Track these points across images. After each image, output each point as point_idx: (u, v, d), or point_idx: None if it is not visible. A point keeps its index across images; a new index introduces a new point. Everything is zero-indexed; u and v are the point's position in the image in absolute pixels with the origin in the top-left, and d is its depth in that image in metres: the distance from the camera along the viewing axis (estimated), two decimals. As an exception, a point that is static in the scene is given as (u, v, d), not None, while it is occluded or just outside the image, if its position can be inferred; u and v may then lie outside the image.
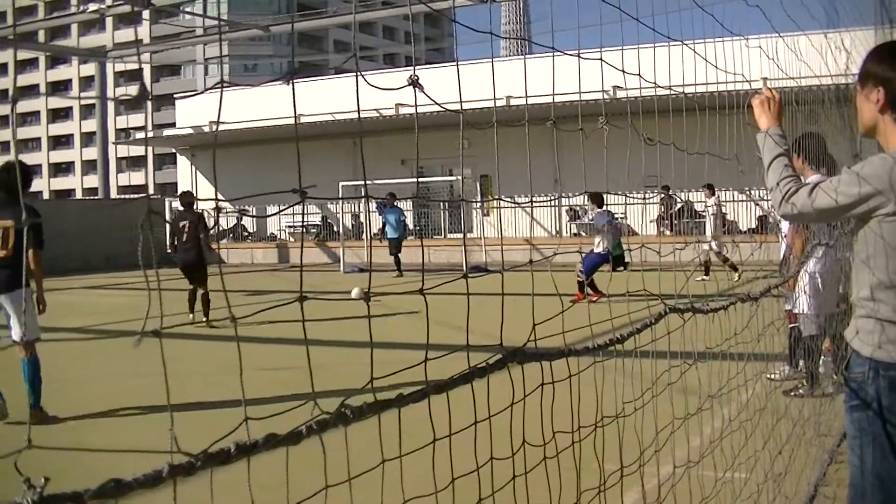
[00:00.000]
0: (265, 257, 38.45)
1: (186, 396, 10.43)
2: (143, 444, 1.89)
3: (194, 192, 36.71)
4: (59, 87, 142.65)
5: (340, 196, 32.10)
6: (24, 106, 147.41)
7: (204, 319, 16.81)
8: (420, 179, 35.88)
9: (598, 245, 20.13)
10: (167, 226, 40.52)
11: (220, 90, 2.34)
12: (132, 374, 12.45)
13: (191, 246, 17.88)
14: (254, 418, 2.26)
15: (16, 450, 1.87)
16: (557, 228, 37.06)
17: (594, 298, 18.52)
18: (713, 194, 25.67)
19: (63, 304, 23.14)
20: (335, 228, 37.49)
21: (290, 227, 40.85)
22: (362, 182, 31.13)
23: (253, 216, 40.38)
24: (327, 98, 35.24)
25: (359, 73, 3.05)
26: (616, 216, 21.81)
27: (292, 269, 33.84)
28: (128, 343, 14.85)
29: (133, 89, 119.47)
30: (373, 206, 36.69)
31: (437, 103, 3.23)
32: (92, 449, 1.97)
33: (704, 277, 22.30)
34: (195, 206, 18.55)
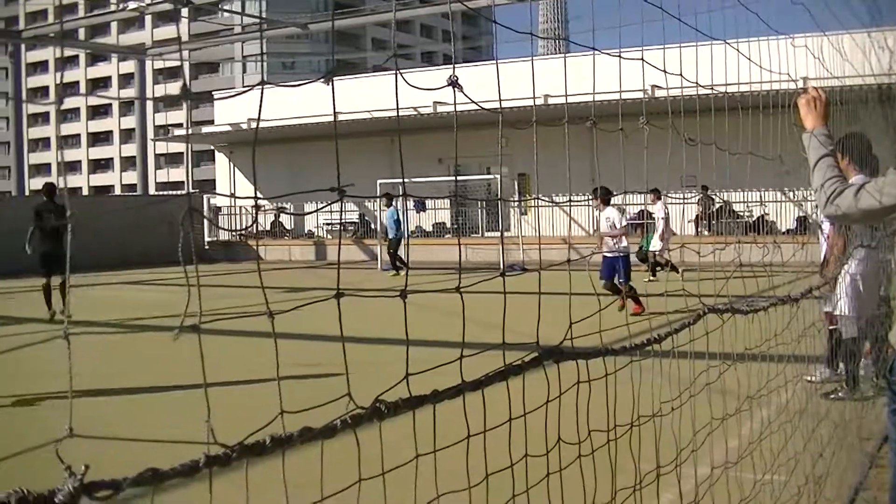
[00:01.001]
0: (302, 254, 38.57)
1: (223, 390, 10.47)
2: (179, 435, 1.89)
3: (233, 189, 36.93)
4: (98, 85, 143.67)
5: (378, 194, 32.14)
6: (64, 103, 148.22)
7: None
8: (458, 178, 35.83)
9: (616, 246, 18.61)
10: (205, 222, 41.02)
11: (260, 88, 2.34)
12: (168, 368, 12.52)
13: (52, 235, 18.07)
14: (289, 412, 2.26)
15: (55, 438, 1.87)
16: (595, 228, 37.04)
17: (638, 309, 17.57)
18: (659, 199, 25.51)
19: (100, 299, 23.31)
20: (372, 226, 37.52)
21: (327, 224, 40.96)
22: (400, 180, 31.15)
23: (292, 213, 40.55)
24: (365, 96, 35.30)
25: (398, 73, 3.04)
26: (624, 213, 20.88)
27: (329, 266, 33.92)
28: (164, 338, 14.93)
29: (172, 87, 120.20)
30: (410, 204, 36.70)
31: (476, 103, 3.21)
32: (129, 438, 1.99)
33: (652, 279, 22.94)
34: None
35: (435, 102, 35.69)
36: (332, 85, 2.76)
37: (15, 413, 10.66)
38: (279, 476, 2.33)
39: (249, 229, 40.88)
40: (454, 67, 3.27)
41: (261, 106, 2.72)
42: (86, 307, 21.22)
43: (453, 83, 3.12)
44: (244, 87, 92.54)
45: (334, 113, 2.67)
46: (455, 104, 2.88)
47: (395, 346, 11.82)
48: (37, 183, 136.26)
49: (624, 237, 18.62)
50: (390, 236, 30.02)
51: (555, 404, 3.42)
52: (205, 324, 2.20)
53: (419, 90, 3.11)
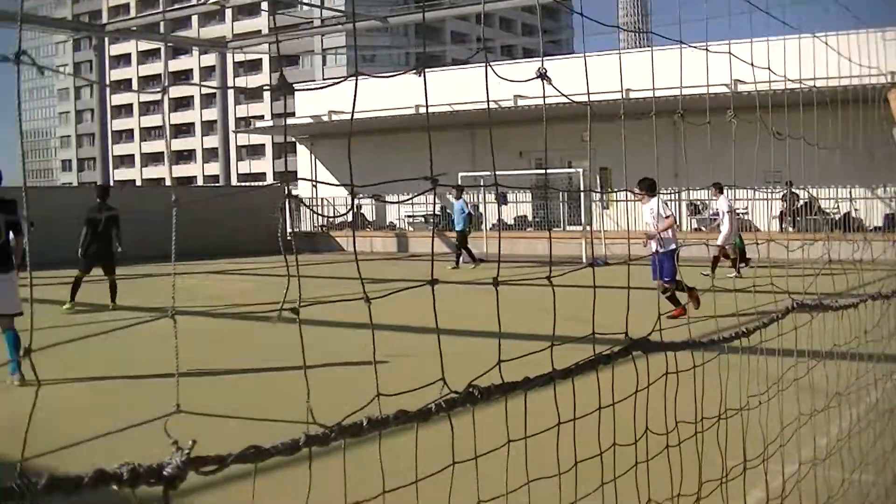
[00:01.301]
0: (384, 246, 38.75)
1: (321, 372, 10.54)
2: (280, 415, 1.96)
3: (314, 180, 37.21)
4: (180, 77, 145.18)
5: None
6: (147, 95, 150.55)
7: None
8: (540, 171, 35.74)
9: (666, 242, 16.39)
10: (287, 213, 41.35)
11: (346, 79, 2.37)
12: (264, 353, 12.67)
13: (104, 236, 18.83)
14: (385, 394, 2.29)
15: (165, 414, 1.92)
16: (678, 223, 36.79)
17: (676, 314, 14.71)
18: (721, 193, 24.99)
19: (183, 288, 23.58)
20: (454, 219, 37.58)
21: (409, 216, 41.09)
22: (481, 173, 31.13)
23: (386, 202, 40.53)
24: (445, 89, 35.37)
25: (488, 65, 3.07)
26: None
27: (411, 258, 34.05)
28: (250, 325, 15.12)
29: (254, 79, 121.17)
30: (491, 196, 36.69)
31: (565, 95, 3.23)
32: (232, 416, 2.04)
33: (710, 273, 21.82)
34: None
35: (515, 96, 35.64)
36: (424, 76, 2.79)
37: (117, 391, 10.89)
38: (371, 460, 2.36)
39: (341, 220, 41.18)
40: (542, 59, 3.29)
41: (355, 98, 2.75)
42: (168, 296, 21.49)
43: (542, 75, 3.13)
44: (324, 79, 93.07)
45: (426, 105, 2.70)
46: (544, 97, 2.89)
47: (479, 337, 11.78)
48: (121, 174, 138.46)
49: (671, 231, 16.55)
50: (457, 228, 29.86)
51: (643, 395, 3.43)
52: (304, 305, 2.24)
53: (503, 81, 3.13)
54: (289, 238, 40.86)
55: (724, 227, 24.49)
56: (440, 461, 2.68)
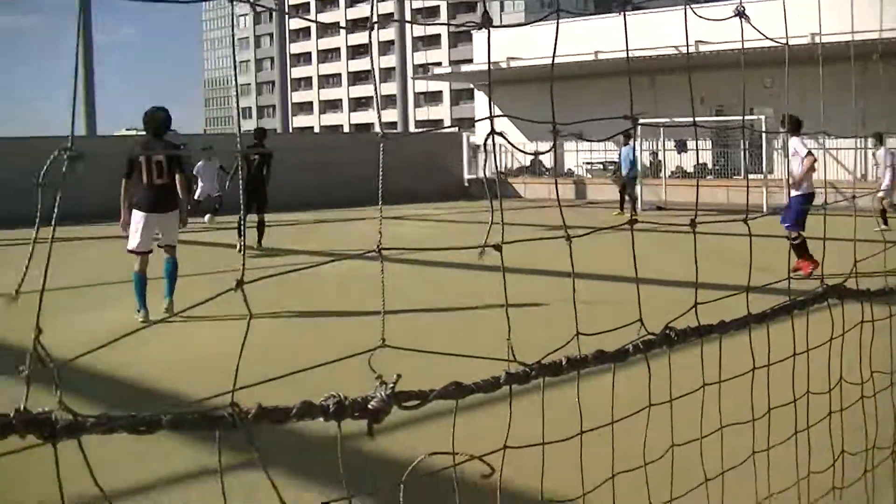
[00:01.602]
0: (562, 193, 38.60)
1: (519, 311, 10.57)
2: (481, 352, 1.98)
3: (491, 127, 37.17)
4: (358, 25, 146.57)
5: (637, 134, 31.76)
6: (326, 43, 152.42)
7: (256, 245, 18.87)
8: (721, 118, 35.08)
9: (798, 184, 14.42)
10: (464, 159, 41.60)
11: (550, 21, 2.37)
12: (458, 294, 12.81)
13: (257, 176, 19.28)
14: (585, 334, 2.31)
15: (370, 348, 1.97)
16: (862, 172, 35.66)
17: (807, 269, 13.58)
18: (881, 144, 23.64)
19: (361, 233, 23.96)
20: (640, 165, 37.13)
21: (587, 163, 40.81)
22: (661, 120, 30.68)
23: (586, 138, 40.34)
24: (623, 35, 34.86)
25: (687, 7, 3.03)
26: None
27: (589, 205, 33.85)
28: (433, 271, 15.27)
29: (431, 27, 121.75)
30: (670, 144, 36.20)
31: (766, 37, 3.17)
32: (432, 352, 2.07)
33: (884, 227, 20.51)
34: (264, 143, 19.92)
35: (697, 41, 34.97)
36: (625, 18, 2.78)
37: (323, 325, 11.23)
38: (565, 400, 2.38)
39: (529, 165, 41.23)
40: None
41: (556, 40, 2.75)
42: (350, 240, 21.93)
43: (740, 13, 3.09)
44: (501, 26, 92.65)
45: (626, 49, 2.68)
46: (742, 40, 2.84)
47: (670, 286, 11.62)
48: (299, 121, 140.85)
49: (809, 174, 14.36)
50: (624, 174, 29.39)
51: (837, 343, 3.37)
52: (507, 243, 2.27)
53: (682, 27, 3.08)
54: (466, 185, 41.22)
55: (886, 179, 23.38)
56: (634, 404, 2.69)
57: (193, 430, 1.68)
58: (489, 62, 2.62)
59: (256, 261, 17.54)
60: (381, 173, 2.13)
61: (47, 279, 1.52)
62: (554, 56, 2.59)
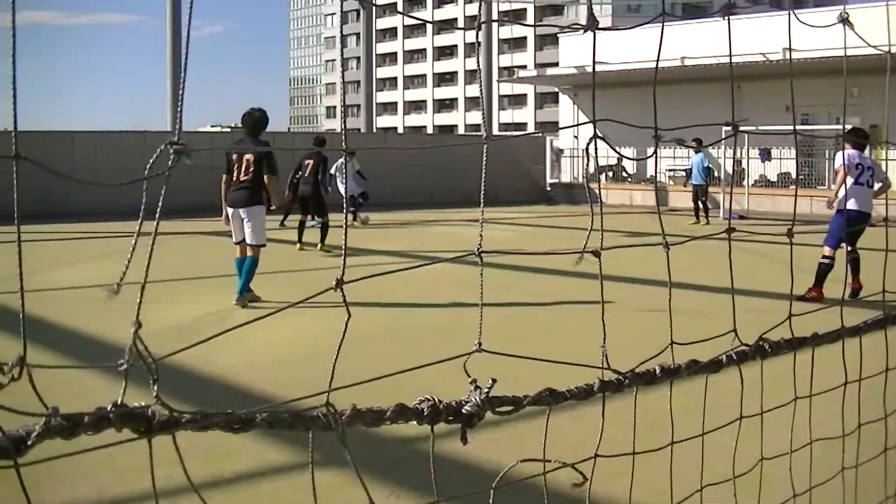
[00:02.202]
0: (643, 199, 38.33)
1: (613, 318, 10.47)
2: (575, 358, 1.97)
3: (576, 132, 37.23)
4: (444, 27, 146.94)
5: (723, 143, 31.49)
6: (412, 44, 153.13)
7: (319, 244, 19.14)
8: (805, 127, 34.68)
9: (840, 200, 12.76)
10: (547, 163, 41.56)
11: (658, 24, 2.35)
12: (548, 298, 12.78)
13: (311, 181, 19.81)
14: (679, 343, 2.28)
15: (465, 352, 1.96)
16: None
17: (814, 293, 12.11)
18: None
19: (442, 234, 24.00)
20: (715, 174, 36.81)
21: (670, 169, 40.48)
22: (745, 128, 30.33)
23: (636, 159, 40.39)
24: (710, 40, 34.60)
25: (791, 11, 2.99)
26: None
27: (671, 212, 33.59)
28: (515, 275, 15.24)
29: (517, 29, 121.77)
30: (754, 152, 35.86)
31: (869, 44, 3.12)
32: (527, 357, 2.07)
33: None
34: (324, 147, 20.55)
35: (784, 48, 34.59)
36: (728, 22, 2.75)
37: (416, 327, 11.24)
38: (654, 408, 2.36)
39: (610, 170, 41.08)
40: (845, 6, 3.18)
41: (661, 41, 2.73)
42: (430, 241, 21.98)
43: (843, 20, 3.05)
44: (598, 27, 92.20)
45: (730, 54, 2.64)
46: (845, 48, 2.79)
47: (762, 298, 11.48)
48: (384, 121, 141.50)
49: (846, 189, 12.61)
50: (695, 182, 29.00)
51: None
52: (606, 249, 2.25)
53: (769, 33, 3.03)
54: (548, 189, 41.12)
55: None
56: (724, 416, 2.66)
57: (287, 429, 1.69)
58: (594, 63, 2.59)
59: (349, 259, 17.60)
60: (483, 176, 2.13)
61: (144, 272, 1.53)
62: (658, 61, 2.57)
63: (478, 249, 2.00)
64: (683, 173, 39.75)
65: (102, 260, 16.37)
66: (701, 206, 28.48)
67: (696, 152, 29.01)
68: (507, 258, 16.79)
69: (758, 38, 33.21)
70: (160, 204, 1.57)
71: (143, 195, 1.59)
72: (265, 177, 12.32)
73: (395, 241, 21.13)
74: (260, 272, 12.27)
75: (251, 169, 12.26)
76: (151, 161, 1.57)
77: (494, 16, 70.53)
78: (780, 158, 38.11)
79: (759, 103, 34.77)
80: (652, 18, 2.53)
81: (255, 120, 12.62)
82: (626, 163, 42.13)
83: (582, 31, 2.19)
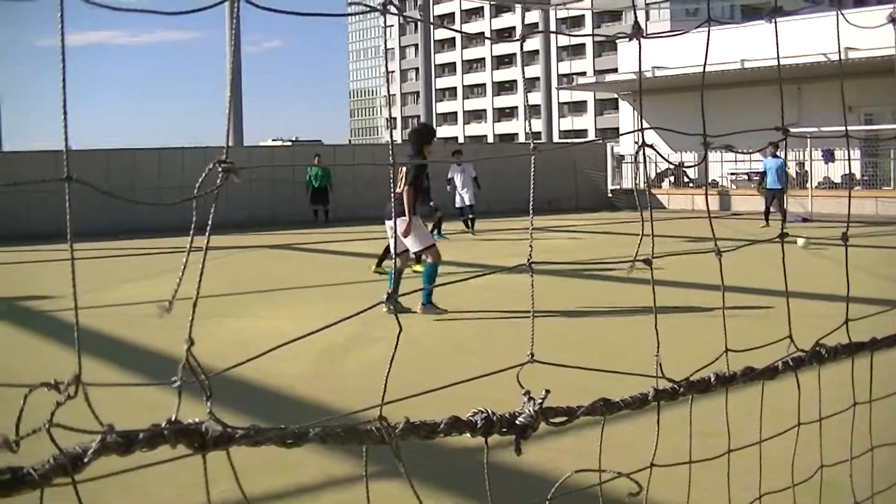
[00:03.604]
0: (706, 204, 38.02)
1: (666, 326, 10.34)
2: (629, 367, 1.96)
3: (637, 138, 36.97)
4: (503, 35, 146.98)
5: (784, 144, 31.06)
6: (470, 53, 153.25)
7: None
8: (870, 127, 34.30)
9: None
10: (608, 169, 41.39)
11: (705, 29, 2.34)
12: (605, 306, 12.70)
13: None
14: (734, 350, 2.27)
15: (519, 363, 1.97)
16: None
17: None
18: None
19: (502, 245, 23.96)
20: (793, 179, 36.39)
21: (732, 173, 40.15)
22: (808, 129, 30.07)
23: (735, 147, 39.81)
24: (771, 42, 34.21)
25: (839, 13, 2.96)
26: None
27: (733, 216, 33.31)
28: (572, 283, 15.19)
29: (575, 37, 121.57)
30: (817, 154, 35.45)
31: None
32: (581, 367, 2.05)
33: None
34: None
35: (846, 48, 34.23)
36: (775, 24, 2.73)
37: (471, 337, 11.16)
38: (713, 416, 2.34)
39: (668, 176, 40.82)
40: (895, 3, 3.14)
41: (706, 45, 2.72)
42: (490, 252, 21.95)
43: (893, 20, 3.01)
44: (647, 34, 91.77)
45: (777, 57, 2.63)
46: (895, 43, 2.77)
47: (819, 300, 11.36)
48: (443, 131, 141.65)
49: None
50: (770, 186, 28.35)
51: None
52: (657, 256, 2.24)
53: (831, 34, 3.01)
54: (609, 196, 40.96)
55: None
56: (783, 423, 2.64)
57: (341, 443, 1.70)
58: (640, 72, 2.59)
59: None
60: (532, 186, 2.13)
61: (196, 289, 1.55)
62: (704, 66, 2.56)
63: (528, 261, 2.01)
64: (757, 177, 39.39)
65: (166, 276, 16.54)
66: (779, 210, 27.79)
67: (772, 156, 28.42)
68: (571, 266, 16.78)
69: (818, 38, 32.90)
70: (210, 222, 1.59)
71: (193, 213, 1.61)
72: (405, 189, 12.39)
73: (458, 251, 21.10)
74: (325, 284, 12.28)
75: (402, 181, 12.43)
76: (201, 179, 1.58)
77: (552, 24, 70.50)
78: (844, 159, 37.71)
79: (820, 104, 34.41)
80: (700, 23, 2.51)
81: (415, 133, 13.09)
82: (687, 167, 41.88)
83: (628, 39, 2.18)
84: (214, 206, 1.60)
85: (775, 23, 2.65)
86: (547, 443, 6.05)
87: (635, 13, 2.21)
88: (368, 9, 1.95)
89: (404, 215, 12.24)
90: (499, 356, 8.92)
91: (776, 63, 2.97)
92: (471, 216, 26.24)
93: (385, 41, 2.08)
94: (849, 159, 36.06)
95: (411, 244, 12.31)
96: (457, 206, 26.53)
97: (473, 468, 5.76)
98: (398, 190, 12.33)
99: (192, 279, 1.57)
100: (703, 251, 2.50)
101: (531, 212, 2.02)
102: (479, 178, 27.07)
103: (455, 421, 1.83)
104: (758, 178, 33.84)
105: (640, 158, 2.14)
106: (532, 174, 2.13)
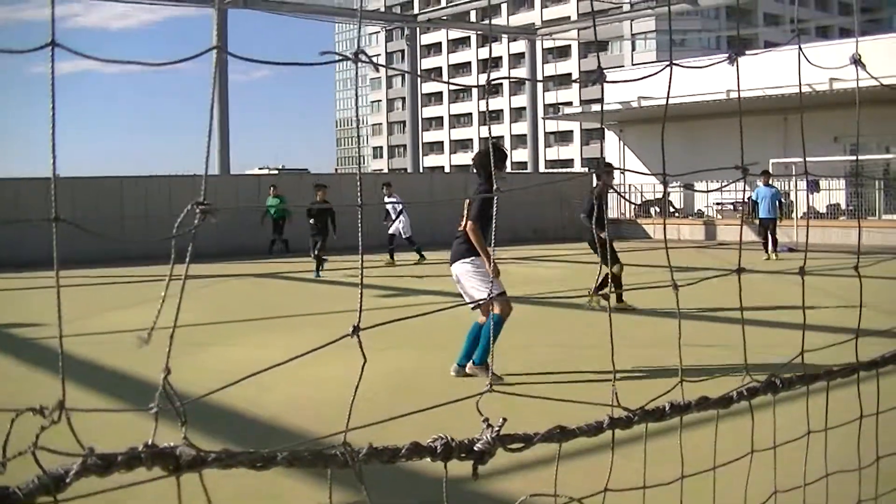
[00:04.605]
0: (692, 234, 38.17)
1: (624, 357, 10.42)
2: (585, 396, 2.02)
3: (622, 167, 37.20)
4: (490, 65, 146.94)
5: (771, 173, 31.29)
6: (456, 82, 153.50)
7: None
8: (853, 157, 34.45)
9: None
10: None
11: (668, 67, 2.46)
12: (571, 341, 12.74)
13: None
14: (688, 380, 2.37)
15: (478, 392, 2.06)
16: None
17: None
18: None
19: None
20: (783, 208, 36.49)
21: (718, 203, 40.31)
22: (793, 159, 30.22)
23: (695, 189, 40.15)
24: (758, 73, 34.53)
25: (799, 47, 3.09)
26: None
27: (719, 246, 33.46)
28: (562, 314, 15.27)
29: (563, 66, 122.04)
30: (802, 184, 35.61)
31: (879, 81, 3.20)
32: (538, 396, 2.12)
33: None
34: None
35: (831, 79, 34.47)
36: (737, 64, 2.85)
37: (433, 366, 11.14)
38: (668, 446, 2.44)
39: (652, 206, 40.98)
40: (857, 43, 3.27)
41: (669, 86, 2.83)
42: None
43: (856, 61, 3.13)
44: (633, 65, 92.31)
45: (738, 91, 2.74)
46: (857, 82, 2.89)
47: (782, 329, 11.52)
48: (430, 160, 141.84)
49: None
50: (763, 216, 28.37)
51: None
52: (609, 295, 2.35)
53: (819, 64, 3.13)
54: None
55: None
56: (737, 451, 2.74)
57: (308, 467, 1.80)
58: (602, 112, 2.72)
59: (380, 300, 17.55)
60: (493, 224, 2.24)
61: (174, 320, 1.66)
62: (667, 103, 2.68)
63: (489, 295, 2.11)
64: (742, 207, 39.47)
65: (152, 304, 16.53)
66: (770, 239, 27.73)
67: (765, 185, 28.38)
68: (550, 295, 16.86)
69: (806, 68, 33.14)
70: (188, 259, 1.69)
71: (171, 249, 1.71)
72: (469, 224, 10.11)
73: (439, 281, 21.15)
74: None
75: (467, 216, 10.23)
76: (179, 220, 1.69)
77: (538, 54, 70.76)
78: (829, 189, 37.91)
79: (806, 134, 34.54)
80: (663, 67, 2.63)
81: (478, 157, 11.05)
82: (672, 198, 42.06)
83: (590, 83, 2.30)
84: (192, 244, 1.71)
85: (737, 60, 2.77)
86: (503, 468, 6.11)
87: (599, 59, 2.33)
88: (341, 58, 2.07)
89: (469, 255, 10.10)
90: (472, 384, 8.98)
91: (765, 93, 3.06)
92: (416, 247, 26.27)
93: (356, 90, 2.21)
94: (851, 190, 36.34)
95: (472, 290, 10.01)
96: (391, 233, 26.46)
97: (431, 493, 5.83)
98: (460, 227, 10.29)
99: (182, 308, 1.68)
100: (658, 286, 2.61)
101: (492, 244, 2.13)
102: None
103: (416, 446, 1.93)
104: (746, 207, 33.95)
105: (603, 196, 2.25)
106: (494, 213, 2.24)
